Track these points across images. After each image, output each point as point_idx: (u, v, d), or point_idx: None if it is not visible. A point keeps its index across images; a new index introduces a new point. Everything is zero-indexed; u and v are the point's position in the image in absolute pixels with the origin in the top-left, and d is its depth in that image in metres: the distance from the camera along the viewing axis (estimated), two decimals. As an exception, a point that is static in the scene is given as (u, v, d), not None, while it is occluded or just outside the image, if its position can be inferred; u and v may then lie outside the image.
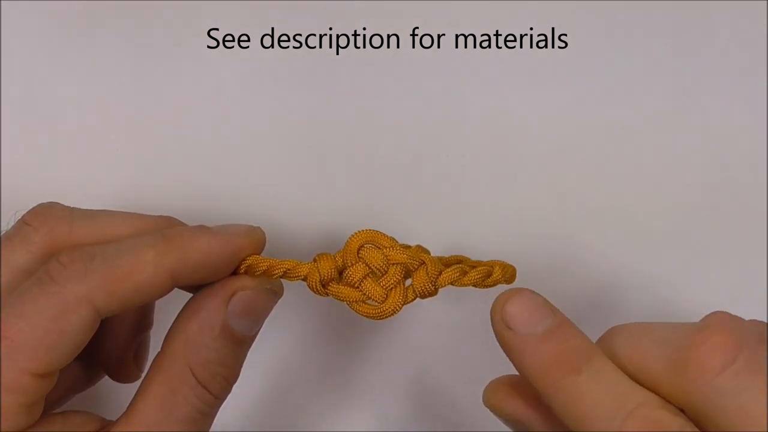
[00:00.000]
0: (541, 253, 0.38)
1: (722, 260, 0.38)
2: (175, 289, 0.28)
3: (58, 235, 0.28)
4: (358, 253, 0.29)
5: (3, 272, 0.27)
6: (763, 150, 0.38)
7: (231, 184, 0.39)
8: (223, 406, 0.28)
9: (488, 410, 0.29)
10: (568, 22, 0.38)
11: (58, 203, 0.29)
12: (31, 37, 0.39)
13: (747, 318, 0.26)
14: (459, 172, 0.38)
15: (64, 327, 0.25)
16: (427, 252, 0.30)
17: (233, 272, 0.29)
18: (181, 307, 0.28)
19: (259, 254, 0.29)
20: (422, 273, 0.29)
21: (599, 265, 0.38)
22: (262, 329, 0.29)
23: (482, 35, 0.38)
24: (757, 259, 0.38)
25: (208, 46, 0.38)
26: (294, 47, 0.38)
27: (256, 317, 0.29)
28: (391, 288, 0.29)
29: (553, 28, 0.38)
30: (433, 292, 0.29)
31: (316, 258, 0.29)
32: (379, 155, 0.38)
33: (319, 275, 0.29)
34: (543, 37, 0.38)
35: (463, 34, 0.38)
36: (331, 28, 0.38)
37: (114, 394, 0.36)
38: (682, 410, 0.24)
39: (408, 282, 0.29)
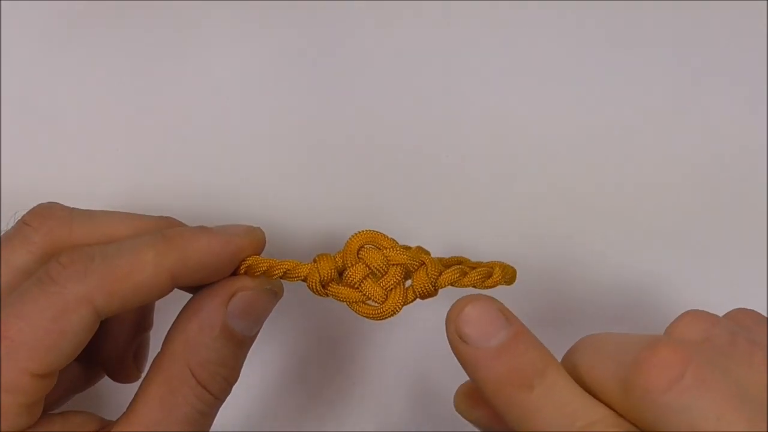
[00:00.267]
0: (541, 253, 0.38)
1: (722, 260, 0.38)
2: (175, 289, 0.28)
3: (58, 236, 0.28)
4: (358, 254, 0.29)
5: (3, 272, 0.27)
6: (763, 150, 0.38)
7: (231, 184, 0.39)
8: (223, 406, 0.28)
9: None
10: (568, 22, 0.38)
11: (58, 203, 0.29)
12: (31, 37, 0.39)
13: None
14: (459, 172, 0.38)
15: (64, 327, 0.25)
16: (428, 253, 0.30)
17: (233, 273, 0.29)
18: (181, 308, 0.28)
19: (259, 255, 0.29)
20: (422, 274, 0.29)
21: (599, 265, 0.38)
22: (262, 329, 0.29)
23: (482, 35, 0.38)
24: (757, 259, 0.38)
25: (208, 46, 0.38)
26: (294, 47, 0.38)
27: (256, 318, 0.29)
28: (391, 288, 0.29)
29: (553, 29, 0.38)
30: (433, 293, 0.29)
31: (316, 258, 0.29)
32: (379, 156, 0.38)
33: (319, 276, 0.29)
34: (543, 37, 0.38)
35: (463, 35, 0.38)
36: (330, 28, 0.38)
37: (114, 395, 0.36)
38: (636, 426, 0.23)
39: (408, 283, 0.29)
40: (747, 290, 0.38)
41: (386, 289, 0.29)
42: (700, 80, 0.38)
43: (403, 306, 0.29)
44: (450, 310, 0.26)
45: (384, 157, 0.38)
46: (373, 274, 0.29)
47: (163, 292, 0.27)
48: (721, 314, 0.26)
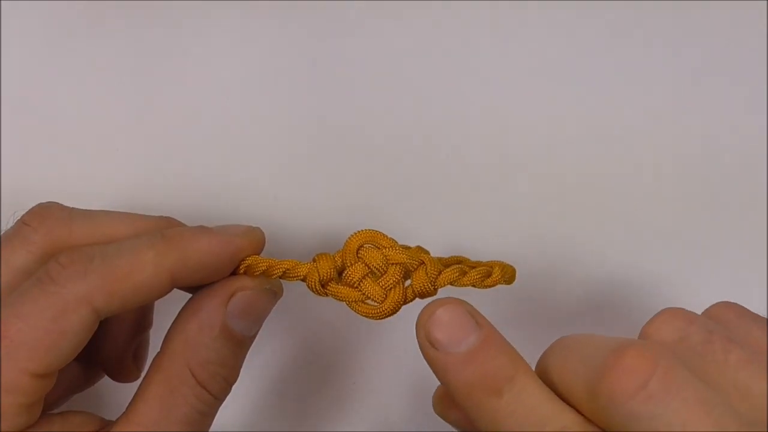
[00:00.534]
0: (541, 253, 0.38)
1: (723, 260, 0.38)
2: (175, 288, 0.28)
3: (58, 236, 0.28)
4: (357, 253, 0.29)
5: (3, 272, 0.27)
6: (763, 150, 0.38)
7: (231, 184, 0.39)
8: (223, 406, 0.28)
9: None
10: (568, 22, 0.38)
11: (57, 203, 0.29)
12: (31, 37, 0.39)
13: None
14: (459, 172, 0.38)
15: (64, 327, 0.25)
16: (427, 252, 0.30)
17: (233, 272, 0.29)
18: (180, 308, 0.28)
19: (258, 254, 0.29)
20: (421, 273, 0.29)
21: (599, 265, 0.38)
22: (261, 329, 0.29)
23: (482, 35, 0.38)
24: (757, 259, 0.38)
25: (208, 47, 0.38)
26: (294, 48, 0.38)
27: (255, 317, 0.29)
28: (391, 288, 0.29)
29: (553, 29, 0.38)
30: (432, 292, 0.29)
31: (316, 258, 0.29)
32: (379, 155, 0.38)
33: (319, 275, 0.29)
34: (543, 37, 0.38)
35: (463, 34, 0.38)
36: (330, 29, 0.38)
37: (113, 394, 0.36)
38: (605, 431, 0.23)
39: (407, 282, 0.29)
40: (747, 290, 0.38)
41: (385, 288, 0.29)
42: (700, 80, 0.38)
43: (402, 305, 0.29)
44: (420, 314, 0.26)
45: (384, 157, 0.38)
46: (373, 273, 0.29)
47: (163, 292, 0.27)
48: None
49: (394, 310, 0.29)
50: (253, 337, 0.29)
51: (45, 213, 0.28)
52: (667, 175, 0.38)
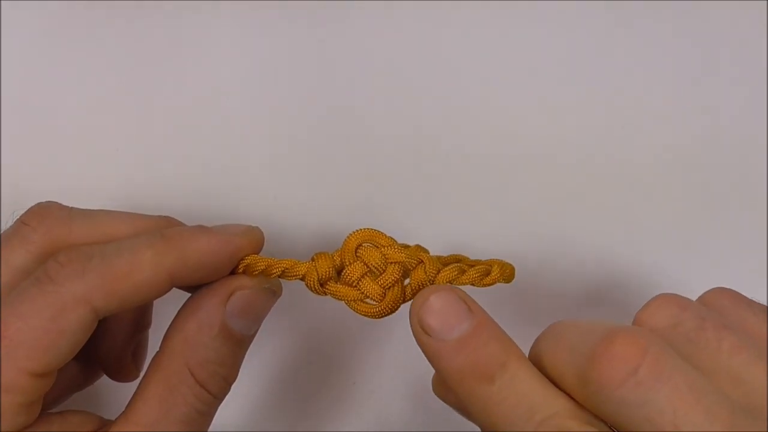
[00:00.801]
0: (541, 253, 0.38)
1: (723, 258, 0.38)
2: (174, 288, 0.28)
3: (57, 235, 0.28)
4: (356, 252, 0.29)
5: (2, 272, 0.27)
6: (763, 150, 0.38)
7: (231, 184, 0.39)
8: (222, 405, 0.28)
9: None
10: (568, 22, 0.38)
11: (56, 203, 0.29)
12: (31, 37, 0.39)
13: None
14: (458, 171, 0.38)
15: (63, 326, 0.25)
16: (426, 251, 0.30)
17: (232, 272, 0.29)
18: (179, 307, 0.28)
19: (257, 254, 0.29)
20: (420, 272, 0.29)
21: (599, 264, 0.38)
22: (260, 329, 0.29)
23: (482, 34, 0.38)
24: (757, 258, 0.38)
25: (208, 47, 0.38)
26: (293, 48, 0.38)
27: (254, 317, 0.29)
28: (389, 287, 0.29)
29: (553, 29, 0.38)
30: (431, 291, 0.29)
31: (314, 257, 0.29)
32: (378, 155, 0.38)
33: (317, 274, 0.29)
34: (543, 37, 0.38)
35: (463, 34, 0.38)
36: (330, 29, 0.38)
37: (112, 394, 0.36)
38: (596, 417, 0.23)
39: (406, 281, 0.29)
40: (747, 288, 0.38)
41: (384, 287, 0.29)
42: (700, 80, 0.38)
43: (401, 304, 0.29)
44: (413, 301, 0.26)
45: (383, 156, 0.38)
46: (371, 272, 0.29)
47: (162, 292, 0.27)
48: None
49: (393, 309, 0.29)
50: (253, 336, 0.29)
51: (44, 212, 0.28)
52: (667, 175, 0.38)
